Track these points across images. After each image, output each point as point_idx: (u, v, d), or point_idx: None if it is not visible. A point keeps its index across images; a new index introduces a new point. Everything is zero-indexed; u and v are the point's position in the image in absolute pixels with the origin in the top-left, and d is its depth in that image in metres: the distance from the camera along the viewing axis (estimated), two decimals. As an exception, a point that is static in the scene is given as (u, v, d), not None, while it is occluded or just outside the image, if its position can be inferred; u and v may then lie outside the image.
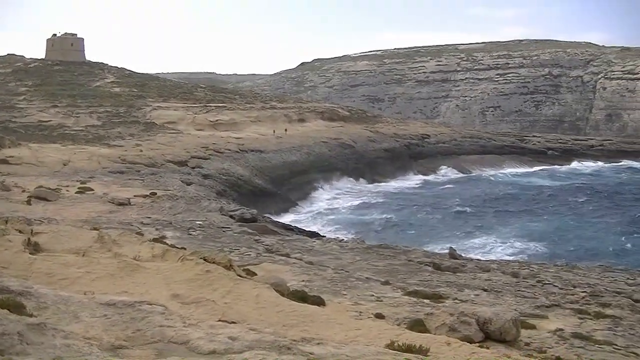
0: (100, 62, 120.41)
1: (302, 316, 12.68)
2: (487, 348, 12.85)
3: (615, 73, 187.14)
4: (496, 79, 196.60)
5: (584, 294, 23.66)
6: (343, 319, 13.71)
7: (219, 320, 11.00)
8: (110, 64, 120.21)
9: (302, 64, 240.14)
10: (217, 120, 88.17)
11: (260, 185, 66.28)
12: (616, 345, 16.79)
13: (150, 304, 10.50)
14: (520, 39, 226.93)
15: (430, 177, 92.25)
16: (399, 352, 9.42)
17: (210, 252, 16.94)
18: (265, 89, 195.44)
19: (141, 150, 66.13)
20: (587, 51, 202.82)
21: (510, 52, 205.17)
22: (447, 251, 35.91)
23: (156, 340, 8.97)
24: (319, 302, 16.06)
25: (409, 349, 9.95)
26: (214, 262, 15.04)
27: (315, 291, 19.17)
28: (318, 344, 9.00)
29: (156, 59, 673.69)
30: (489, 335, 14.70)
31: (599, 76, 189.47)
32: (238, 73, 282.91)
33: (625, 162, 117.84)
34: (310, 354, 8.28)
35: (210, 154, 69.63)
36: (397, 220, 61.59)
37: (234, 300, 13.14)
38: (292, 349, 8.38)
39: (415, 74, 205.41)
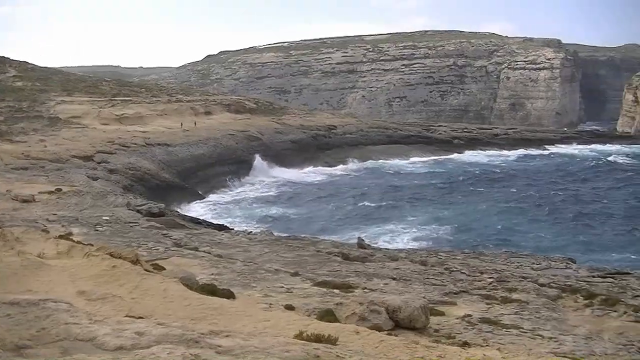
0: (0, 55, 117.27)
1: (210, 309, 12.58)
2: (396, 336, 12.94)
3: (518, 63, 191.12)
4: (402, 70, 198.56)
5: (491, 279, 24.06)
6: (252, 311, 13.63)
7: (126, 316, 10.82)
8: (11, 58, 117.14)
9: (208, 56, 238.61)
10: (122, 114, 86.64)
11: (167, 179, 65.48)
12: (523, 328, 17.10)
13: (55, 302, 10.27)
14: (426, 29, 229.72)
15: (338, 168, 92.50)
16: (308, 342, 9.42)
17: (117, 247, 16.68)
18: (172, 82, 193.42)
19: (45, 146, 64.46)
20: (491, 42, 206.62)
21: (415, 43, 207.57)
22: (355, 241, 36.09)
23: (61, 338, 8.77)
24: (229, 295, 15.97)
25: (317, 338, 9.96)
26: (120, 258, 14.81)
27: (224, 284, 19.06)
28: (226, 336, 8.92)
29: (59, 52, 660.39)
30: (398, 323, 14.81)
31: (503, 66, 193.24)
32: (144, 66, 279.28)
33: (529, 151, 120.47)
34: (219, 346, 8.21)
35: (116, 149, 68.38)
36: (305, 211, 61.68)
37: (141, 295, 12.95)
38: (200, 342, 8.29)
39: (321, 65, 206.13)
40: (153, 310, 12.04)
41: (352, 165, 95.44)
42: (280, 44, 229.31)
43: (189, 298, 13.10)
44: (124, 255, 14.94)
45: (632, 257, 42.27)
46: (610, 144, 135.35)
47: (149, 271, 14.88)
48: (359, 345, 10.96)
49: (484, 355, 11.37)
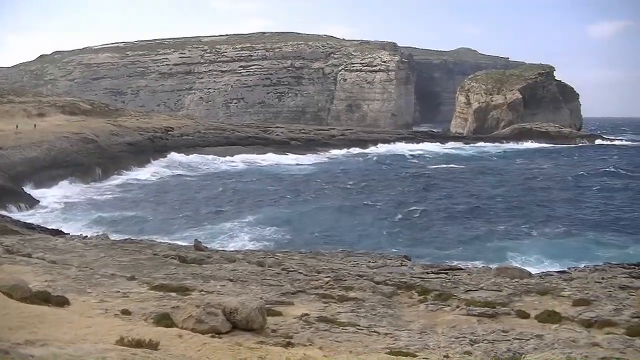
0: None
1: (30, 318, 12.10)
2: (220, 337, 12.91)
3: (355, 65, 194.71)
4: (239, 71, 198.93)
5: (327, 279, 24.25)
6: (75, 318, 13.22)
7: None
8: None
9: (42, 56, 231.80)
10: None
11: (-3, 184, 63.05)
12: (359, 325, 17.28)
13: None
14: (264, 31, 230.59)
15: (178, 170, 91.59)
16: (127, 348, 9.22)
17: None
18: (2, 82, 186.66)
19: None
20: (328, 44, 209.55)
21: (253, 45, 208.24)
22: (192, 243, 35.74)
23: None
24: (63, 301, 15.50)
25: (138, 344, 9.80)
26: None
27: (59, 291, 18.43)
28: (42, 345, 8.58)
29: None
30: (236, 324, 14.68)
31: (340, 68, 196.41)
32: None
33: (365, 150, 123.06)
34: (31, 356, 7.87)
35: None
36: (141, 214, 60.56)
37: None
38: (10, 352, 7.90)
39: (158, 66, 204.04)
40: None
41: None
42: (116, 44, 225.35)
43: (8, 307, 12.56)
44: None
45: (465, 253, 43.53)
46: (441, 143, 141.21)
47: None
48: (181, 349, 10.87)
49: (305, 354, 11.45)
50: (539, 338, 16.02)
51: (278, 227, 52.30)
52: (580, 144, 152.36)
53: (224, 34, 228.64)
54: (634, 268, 30.13)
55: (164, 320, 14.63)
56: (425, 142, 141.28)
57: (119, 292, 20.07)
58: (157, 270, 25.13)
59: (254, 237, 48.54)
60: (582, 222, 55.36)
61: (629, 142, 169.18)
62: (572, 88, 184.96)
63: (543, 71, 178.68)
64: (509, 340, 15.77)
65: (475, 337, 16.06)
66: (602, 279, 26.66)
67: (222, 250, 35.45)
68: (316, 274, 25.56)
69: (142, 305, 18.03)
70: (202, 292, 20.20)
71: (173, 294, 19.79)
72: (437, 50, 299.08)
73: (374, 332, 16.74)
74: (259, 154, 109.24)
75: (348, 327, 16.99)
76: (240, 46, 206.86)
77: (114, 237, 39.65)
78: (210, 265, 26.91)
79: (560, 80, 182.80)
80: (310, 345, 14.24)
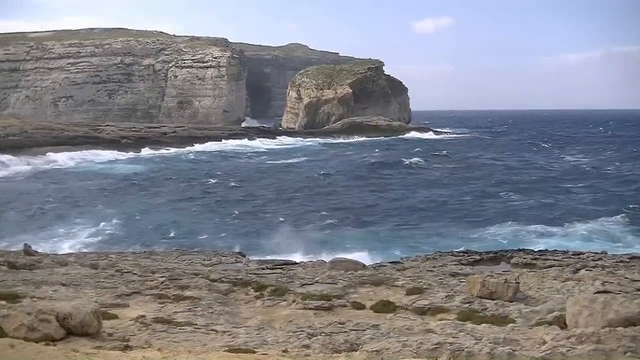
0: None
1: None
2: (55, 345, 12.63)
3: (186, 62, 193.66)
4: (68, 68, 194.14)
5: (162, 278, 24.07)
6: None
7: None
8: None
9: None
10: None
11: None
12: (197, 324, 17.25)
13: None
14: (92, 27, 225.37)
15: (4, 172, 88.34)
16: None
17: None
18: None
19: None
20: (158, 40, 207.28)
21: (81, 41, 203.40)
22: (21, 248, 34.62)
23: None
24: None
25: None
26: None
27: None
28: None
29: None
30: (70, 330, 14.36)
31: (171, 64, 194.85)
32: None
33: (197, 147, 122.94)
34: None
35: None
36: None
37: None
38: None
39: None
40: None
41: (16, 168, 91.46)
42: None
43: None
44: None
45: (302, 247, 43.92)
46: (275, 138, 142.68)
47: None
48: (14, 359, 10.56)
49: (144, 357, 11.38)
50: (375, 328, 16.44)
51: (111, 227, 51.33)
52: (405, 137, 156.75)
53: (51, 29, 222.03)
54: (463, 255, 31.45)
55: (-6, 329, 14.14)
56: (258, 139, 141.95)
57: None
58: (-15, 277, 24.25)
59: (87, 238, 47.45)
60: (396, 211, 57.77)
61: (456, 135, 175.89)
62: (401, 82, 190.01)
63: (373, 66, 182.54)
64: (346, 331, 16.11)
65: (312, 331, 16.31)
66: (434, 267, 27.69)
67: (54, 254, 34.47)
68: (151, 274, 25.31)
69: (-30, 315, 17.37)
70: (34, 299, 19.63)
71: (3, 302, 19.13)
72: (268, 46, 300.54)
73: (212, 330, 16.74)
74: (90, 153, 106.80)
75: (186, 327, 16.92)
76: (68, 42, 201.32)
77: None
78: (41, 270, 26.17)
79: (389, 75, 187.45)
80: (149, 347, 14.11)
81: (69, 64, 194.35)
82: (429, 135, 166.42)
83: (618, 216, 52.07)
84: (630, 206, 56.36)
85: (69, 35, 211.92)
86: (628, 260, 28.99)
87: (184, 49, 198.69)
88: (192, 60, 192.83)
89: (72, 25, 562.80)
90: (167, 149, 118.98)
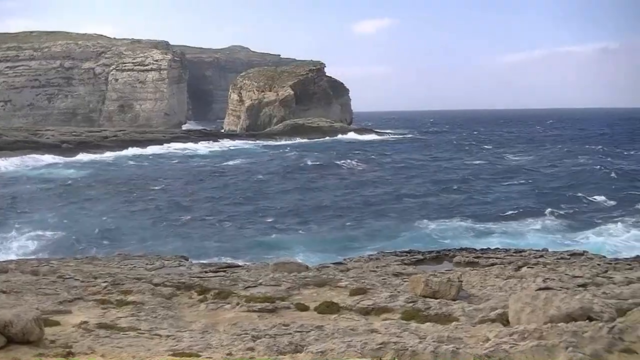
0: None
1: None
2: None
3: (126, 65, 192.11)
4: (6, 72, 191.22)
5: (105, 284, 23.87)
6: None
7: None
8: None
9: None
10: None
11: None
12: (141, 329, 17.13)
13: None
14: (31, 30, 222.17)
15: None
16: None
17: None
18: None
19: None
20: (98, 43, 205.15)
21: (20, 44, 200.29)
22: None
23: None
24: None
25: None
26: None
27: None
28: None
29: None
30: (11, 338, 14.18)
31: (111, 68, 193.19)
32: None
33: (139, 151, 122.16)
34: None
35: None
36: None
37: None
38: None
39: None
40: None
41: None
42: None
43: None
44: None
45: (244, 250, 43.91)
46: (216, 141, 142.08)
47: None
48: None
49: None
50: (319, 329, 16.49)
51: (52, 233, 50.71)
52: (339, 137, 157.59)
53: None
54: (406, 255, 31.71)
55: None
56: (200, 142, 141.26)
57: None
58: None
59: (27, 244, 46.83)
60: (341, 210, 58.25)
61: (397, 136, 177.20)
62: (342, 83, 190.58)
63: (314, 67, 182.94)
64: (290, 333, 16.12)
65: (257, 333, 16.31)
66: (377, 267, 27.84)
67: (-8, 262, 34.01)
68: (93, 280, 25.09)
69: None
70: (-27, 307, 19.39)
71: (-59, 312, 18.88)
72: (209, 49, 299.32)
73: (156, 335, 16.66)
74: (30, 157, 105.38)
75: (129, 332, 16.81)
76: (6, 46, 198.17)
77: None
78: (-20, 278, 25.82)
79: (331, 77, 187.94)
80: (92, 353, 14.01)
81: (7, 67, 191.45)
82: (371, 136, 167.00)
83: (554, 212, 53.25)
84: (564, 204, 57.68)
85: (7, 39, 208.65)
86: (569, 257, 29.55)
87: (124, 52, 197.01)
88: (133, 63, 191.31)
89: (10, 28, 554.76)
90: (109, 153, 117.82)
